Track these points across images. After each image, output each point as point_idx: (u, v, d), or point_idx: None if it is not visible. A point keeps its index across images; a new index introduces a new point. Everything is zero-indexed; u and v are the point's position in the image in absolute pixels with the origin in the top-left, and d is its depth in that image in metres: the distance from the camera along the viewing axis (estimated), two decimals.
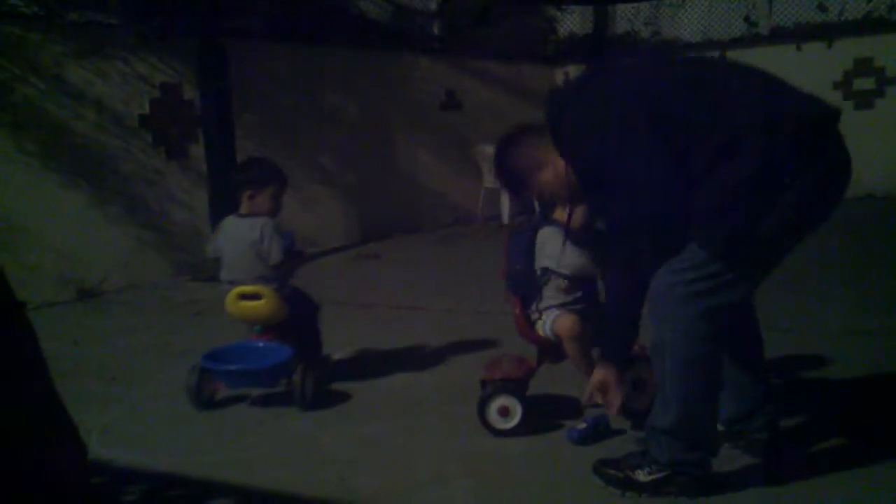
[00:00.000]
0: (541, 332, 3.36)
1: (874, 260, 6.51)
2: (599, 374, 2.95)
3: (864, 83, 9.54)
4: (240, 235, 3.87)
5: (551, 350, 3.38)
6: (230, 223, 3.94)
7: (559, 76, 11.35)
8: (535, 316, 3.38)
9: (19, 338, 2.39)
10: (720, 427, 2.95)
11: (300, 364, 3.70)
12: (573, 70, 11.22)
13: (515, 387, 3.30)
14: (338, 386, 4.02)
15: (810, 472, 2.87)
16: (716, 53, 10.08)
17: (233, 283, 3.84)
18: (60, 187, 6.25)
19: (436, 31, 10.22)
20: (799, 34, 9.76)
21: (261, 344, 3.83)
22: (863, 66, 9.52)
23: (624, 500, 2.74)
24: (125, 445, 3.34)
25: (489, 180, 9.17)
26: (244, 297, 3.80)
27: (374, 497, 2.87)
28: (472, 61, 10.23)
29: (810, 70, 9.52)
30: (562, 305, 3.33)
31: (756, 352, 3.03)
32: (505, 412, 3.28)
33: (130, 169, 6.74)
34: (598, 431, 3.20)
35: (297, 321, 3.93)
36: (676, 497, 2.71)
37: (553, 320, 3.31)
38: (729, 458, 2.93)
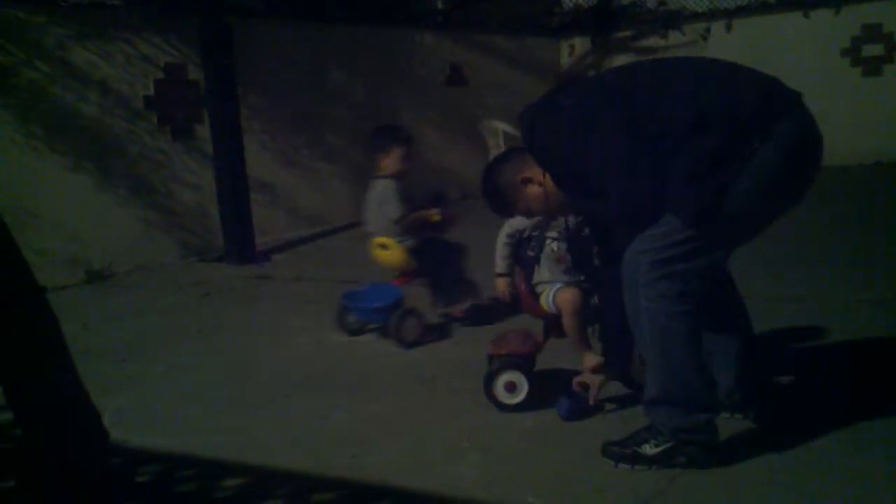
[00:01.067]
0: (545, 307, 3.37)
1: (880, 227, 6.47)
2: (595, 360, 3.19)
3: (873, 50, 9.43)
4: (372, 195, 4.52)
5: (556, 325, 3.39)
6: (371, 184, 4.56)
7: (564, 49, 11.29)
8: (539, 290, 3.40)
9: (44, 324, 2.42)
10: (724, 400, 2.99)
11: (401, 308, 4.29)
12: (578, 43, 11.17)
13: (522, 362, 3.32)
14: (345, 364, 4.05)
15: (811, 440, 2.89)
16: (722, 22, 10.05)
17: (369, 235, 4.55)
18: (67, 170, 6.27)
19: (440, 5, 10.16)
20: (806, 1, 9.66)
21: (383, 286, 4.52)
22: (871, 32, 9.42)
23: (633, 471, 2.76)
24: (138, 427, 3.37)
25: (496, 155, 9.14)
26: (381, 246, 4.48)
27: (386, 474, 2.89)
28: (477, 35, 10.17)
29: (818, 37, 9.48)
30: (565, 282, 3.35)
31: (742, 321, 3.05)
32: (512, 387, 3.30)
33: (136, 150, 6.74)
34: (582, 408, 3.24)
35: (431, 268, 4.54)
36: (686, 468, 2.74)
37: (555, 293, 3.33)
38: (734, 429, 2.96)
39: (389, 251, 4.46)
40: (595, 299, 3.32)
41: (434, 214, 4.53)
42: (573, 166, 2.89)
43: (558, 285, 3.34)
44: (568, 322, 3.30)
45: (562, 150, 2.90)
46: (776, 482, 2.69)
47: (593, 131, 2.77)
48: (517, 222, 3.42)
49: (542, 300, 3.38)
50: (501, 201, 3.27)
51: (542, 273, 3.39)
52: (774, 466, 2.77)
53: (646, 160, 2.68)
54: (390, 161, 4.49)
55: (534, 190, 3.16)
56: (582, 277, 3.36)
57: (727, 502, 2.60)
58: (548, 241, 3.37)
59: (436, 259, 4.53)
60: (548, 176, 3.09)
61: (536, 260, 3.39)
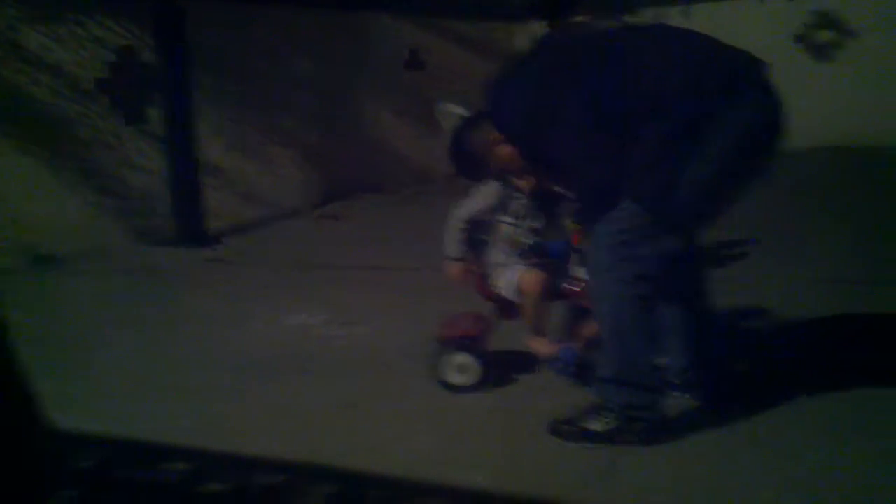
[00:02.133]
0: (498, 290, 3.38)
1: (824, 210, 6.57)
2: (547, 349, 3.32)
3: (824, 36, 9.58)
4: None
5: (507, 307, 3.41)
6: None
7: (522, 33, 11.29)
8: (492, 272, 3.41)
9: None
10: (674, 379, 3.04)
11: None
12: (538, 27, 11.17)
13: (472, 344, 3.33)
14: (299, 348, 4.03)
15: (760, 420, 2.95)
16: (679, 8, 10.10)
17: None
18: (17, 152, 6.15)
19: None
20: None
21: None
22: (822, 18, 9.55)
23: (582, 448, 2.80)
24: (90, 414, 3.31)
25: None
26: None
27: (340, 456, 2.89)
28: (436, 19, 10.14)
29: (772, 23, 9.58)
30: (520, 263, 3.36)
31: (701, 301, 3.08)
32: (462, 369, 3.31)
33: (88, 134, 6.64)
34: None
35: None
36: (634, 446, 2.78)
37: (517, 276, 3.33)
38: (684, 408, 3.01)
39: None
40: (564, 283, 3.33)
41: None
42: (535, 145, 2.89)
43: (518, 268, 3.34)
44: (528, 305, 3.31)
45: (524, 129, 2.88)
46: (723, 460, 2.73)
47: (555, 110, 2.74)
48: (473, 205, 3.40)
49: (496, 283, 3.38)
50: (472, 163, 3.24)
51: (496, 256, 3.39)
52: (722, 444, 2.82)
53: (604, 144, 2.70)
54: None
55: (507, 150, 3.12)
56: (539, 259, 3.36)
57: (674, 479, 2.63)
58: (503, 224, 3.37)
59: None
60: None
61: (490, 243, 3.39)
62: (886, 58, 9.32)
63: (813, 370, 3.39)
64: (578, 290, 3.20)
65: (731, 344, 3.61)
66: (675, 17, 10.08)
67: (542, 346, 3.34)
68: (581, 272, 3.16)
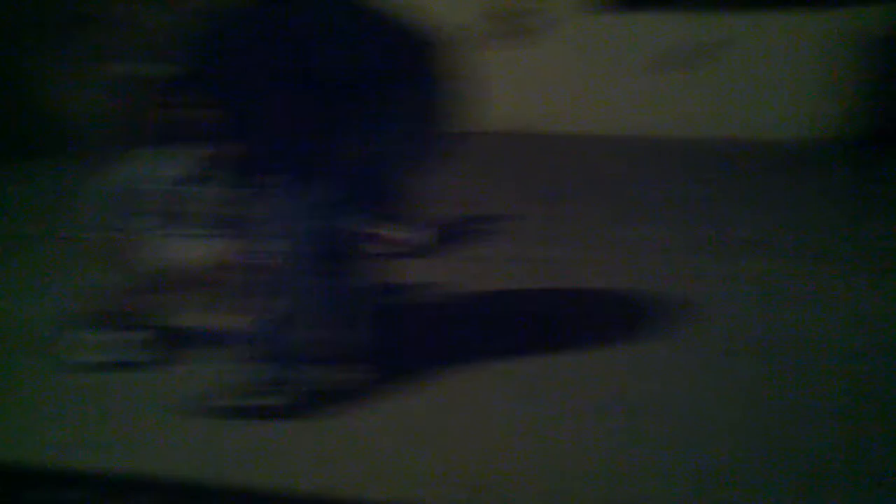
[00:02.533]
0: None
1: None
2: None
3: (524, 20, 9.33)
4: None
5: (182, 280, 3.25)
6: None
7: None
8: (168, 242, 3.23)
9: None
10: (337, 353, 2.98)
11: None
12: None
13: (115, 318, 3.19)
14: None
15: (420, 390, 2.98)
16: None
17: None
18: None
19: None
20: None
21: None
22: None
23: (242, 425, 2.71)
24: None
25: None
26: None
27: None
28: None
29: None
30: (206, 234, 3.20)
31: (364, 277, 3.04)
32: (96, 345, 3.16)
33: None
34: None
35: None
36: (288, 419, 2.74)
37: (200, 249, 3.17)
38: (344, 381, 2.98)
39: None
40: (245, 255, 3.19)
41: None
42: (232, 107, 2.78)
43: (200, 240, 3.19)
44: (209, 279, 3.17)
45: (218, 88, 2.77)
46: (387, 431, 2.73)
47: (251, 70, 2.66)
48: (161, 170, 3.21)
49: (171, 254, 3.21)
50: (155, 126, 3.10)
51: (179, 226, 3.21)
52: (387, 416, 2.82)
53: (292, 112, 2.63)
54: None
55: (201, 112, 2.95)
56: (228, 230, 3.22)
57: (332, 451, 2.61)
58: (188, 193, 3.20)
59: None
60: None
61: (175, 212, 3.21)
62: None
63: (476, 345, 3.42)
64: (256, 262, 3.10)
65: (395, 318, 3.58)
66: None
67: (219, 321, 3.21)
68: (259, 244, 3.05)
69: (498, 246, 4.71)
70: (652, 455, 2.61)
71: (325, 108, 2.60)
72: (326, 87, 2.60)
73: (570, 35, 8.16)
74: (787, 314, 3.70)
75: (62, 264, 4.23)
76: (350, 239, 2.94)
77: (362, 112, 2.61)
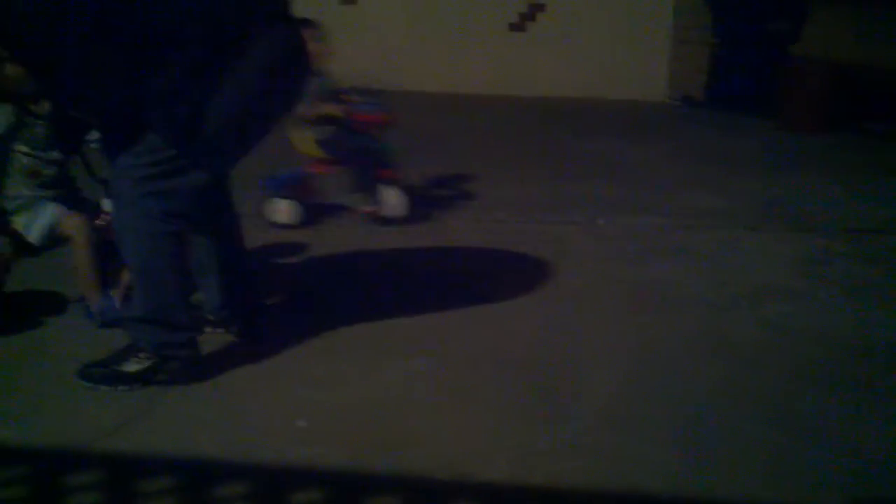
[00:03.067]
0: (18, 228, 3.07)
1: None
2: None
3: (518, 8, 9.56)
4: None
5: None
6: None
7: None
8: (10, 208, 3.06)
9: None
10: (210, 316, 2.97)
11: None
12: None
13: None
14: None
15: (287, 350, 2.98)
16: None
17: None
18: None
19: None
20: None
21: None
22: None
23: (115, 391, 2.65)
24: None
25: None
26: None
27: None
28: None
29: None
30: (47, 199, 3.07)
31: (234, 238, 3.01)
32: None
33: None
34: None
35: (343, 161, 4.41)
36: (169, 384, 2.68)
37: (57, 219, 3.05)
38: (218, 343, 2.96)
39: (298, 138, 4.40)
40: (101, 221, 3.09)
41: (330, 109, 4.29)
42: (48, 62, 2.57)
43: (52, 208, 3.05)
44: (79, 255, 3.06)
45: (36, 43, 2.54)
46: (256, 391, 2.71)
47: (65, 21, 2.44)
48: None
49: (17, 223, 3.05)
50: None
51: (16, 189, 3.05)
52: (255, 377, 2.81)
53: (123, 66, 2.47)
54: None
55: (14, 68, 2.85)
56: (67, 193, 3.11)
57: (214, 415, 2.57)
58: (17, 152, 3.02)
59: (345, 153, 4.39)
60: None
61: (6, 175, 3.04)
62: None
63: (345, 304, 3.44)
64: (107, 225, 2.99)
65: (267, 279, 3.57)
66: None
67: (89, 292, 3.11)
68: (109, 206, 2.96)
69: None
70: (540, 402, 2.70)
71: (155, 62, 2.45)
72: (155, 41, 2.44)
73: None
74: (654, 267, 3.88)
75: None
76: (201, 199, 2.78)
77: (209, 68, 2.47)
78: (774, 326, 3.31)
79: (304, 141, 4.38)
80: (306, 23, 4.02)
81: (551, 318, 3.34)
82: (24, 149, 3.00)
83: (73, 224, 3.04)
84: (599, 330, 3.26)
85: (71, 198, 3.12)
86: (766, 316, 3.40)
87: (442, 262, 3.96)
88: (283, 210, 4.35)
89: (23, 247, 3.08)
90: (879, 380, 2.93)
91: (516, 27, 8.29)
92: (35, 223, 3.04)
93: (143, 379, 2.66)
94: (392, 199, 4.45)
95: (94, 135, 3.00)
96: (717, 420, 2.63)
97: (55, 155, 3.05)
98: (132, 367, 2.66)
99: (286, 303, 3.46)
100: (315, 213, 4.46)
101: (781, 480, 2.34)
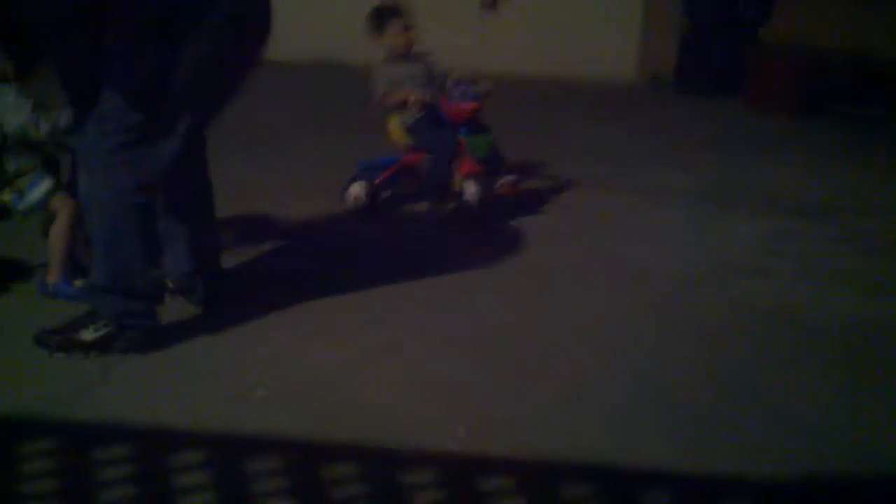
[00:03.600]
0: None
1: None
2: None
3: None
4: None
5: None
6: None
7: None
8: None
9: None
10: (170, 283, 2.94)
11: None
12: None
13: None
14: None
15: (246, 321, 2.95)
16: None
17: None
18: None
19: None
20: None
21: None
22: None
23: (71, 359, 2.62)
24: None
25: None
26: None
27: None
28: None
29: None
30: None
31: (205, 206, 2.98)
32: None
33: None
34: None
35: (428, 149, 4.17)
36: (127, 353, 2.65)
37: (44, 191, 2.99)
38: (179, 313, 2.93)
39: (391, 124, 4.22)
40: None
41: (411, 96, 4.06)
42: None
43: (48, 182, 2.98)
44: (57, 233, 3.00)
45: None
46: (215, 360, 2.69)
47: None
48: None
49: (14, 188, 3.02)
50: None
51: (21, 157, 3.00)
52: (215, 346, 2.78)
53: (81, 27, 2.43)
54: (387, 41, 4.14)
55: None
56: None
57: (167, 384, 2.55)
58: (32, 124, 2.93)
59: (427, 142, 4.15)
60: None
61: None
62: None
63: (307, 274, 3.43)
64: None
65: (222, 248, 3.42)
66: None
67: (52, 268, 3.05)
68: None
69: None
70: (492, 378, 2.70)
71: (122, 23, 2.40)
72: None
73: None
74: (623, 245, 3.88)
75: None
76: (173, 170, 2.77)
77: (166, 29, 2.41)
78: (739, 304, 3.33)
79: (395, 127, 4.20)
80: (395, 11, 4.11)
81: (519, 296, 3.33)
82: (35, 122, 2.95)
83: (63, 202, 2.99)
84: (567, 307, 3.25)
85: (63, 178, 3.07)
86: (731, 293, 3.42)
87: (414, 241, 3.92)
88: (352, 192, 4.14)
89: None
90: (833, 357, 2.97)
91: (488, 6, 8.23)
92: (30, 192, 2.99)
93: (100, 347, 2.62)
94: (473, 195, 4.03)
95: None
96: (679, 395, 2.64)
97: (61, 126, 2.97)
98: (90, 334, 2.62)
99: (253, 274, 3.41)
100: (390, 202, 4.33)
101: (743, 456, 2.35)
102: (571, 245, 3.88)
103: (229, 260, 3.29)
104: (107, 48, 2.43)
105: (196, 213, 2.92)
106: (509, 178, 4.16)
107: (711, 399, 2.62)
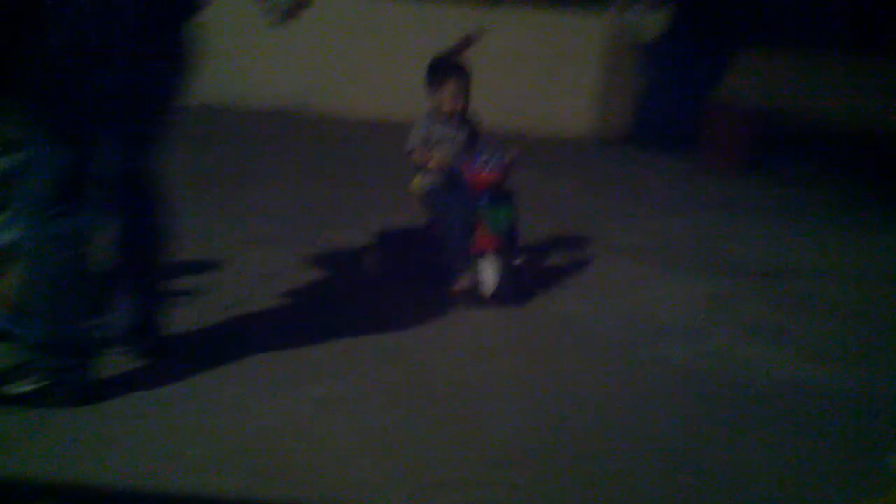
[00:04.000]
0: None
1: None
2: None
3: None
4: None
5: None
6: None
7: None
8: None
9: None
10: (113, 335, 2.91)
11: None
12: None
13: None
14: None
15: (205, 374, 2.94)
16: None
17: None
18: None
19: None
20: None
21: None
22: None
23: (6, 411, 2.56)
24: None
25: None
26: None
27: None
28: None
29: None
30: None
31: (148, 261, 2.95)
32: None
33: None
34: None
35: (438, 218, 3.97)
36: (60, 408, 2.61)
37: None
38: (117, 366, 2.89)
39: (414, 183, 4.01)
40: None
41: (431, 158, 3.86)
42: None
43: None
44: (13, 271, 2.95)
45: None
46: (151, 416, 2.66)
47: None
48: None
49: None
50: None
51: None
52: (153, 401, 2.75)
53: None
54: (438, 97, 3.94)
55: None
56: None
57: (98, 440, 2.51)
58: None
59: (439, 210, 3.91)
60: None
61: None
62: None
63: (257, 328, 3.42)
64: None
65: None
66: None
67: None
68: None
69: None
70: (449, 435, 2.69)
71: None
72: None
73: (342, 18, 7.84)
74: (566, 303, 3.93)
75: None
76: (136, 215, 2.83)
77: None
78: (675, 367, 3.37)
79: (416, 187, 3.97)
80: (458, 71, 3.92)
81: (461, 352, 3.36)
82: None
83: None
84: (507, 366, 3.28)
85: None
86: (668, 356, 3.46)
87: (372, 293, 3.92)
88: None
89: None
90: (768, 424, 3.01)
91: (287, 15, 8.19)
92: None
93: (32, 400, 2.58)
94: (489, 274, 3.79)
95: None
96: (617, 459, 2.67)
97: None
98: (22, 388, 2.58)
99: (199, 326, 3.36)
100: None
101: None
102: (513, 301, 3.83)
103: (175, 311, 3.25)
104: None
105: (142, 263, 2.90)
106: (521, 258, 3.93)
107: (650, 466, 2.65)
